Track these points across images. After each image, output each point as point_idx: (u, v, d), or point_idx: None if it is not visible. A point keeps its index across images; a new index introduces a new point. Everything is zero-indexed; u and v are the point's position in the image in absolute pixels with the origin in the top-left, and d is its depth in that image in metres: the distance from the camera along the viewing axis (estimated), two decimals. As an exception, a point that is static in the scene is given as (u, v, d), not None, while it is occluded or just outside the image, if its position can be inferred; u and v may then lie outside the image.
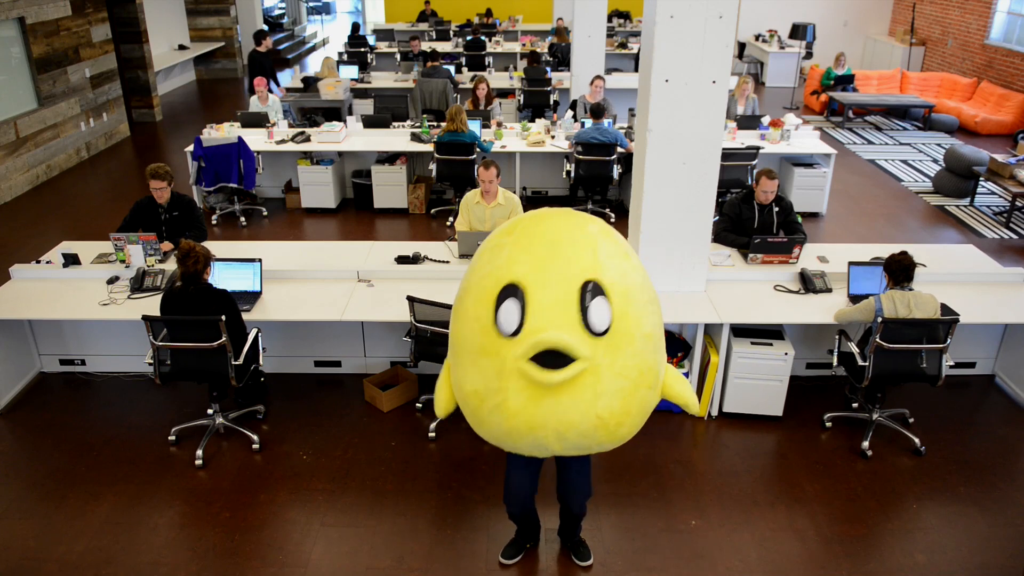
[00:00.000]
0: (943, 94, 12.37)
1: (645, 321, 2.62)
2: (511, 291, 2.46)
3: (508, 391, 2.50)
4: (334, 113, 9.59)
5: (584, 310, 2.43)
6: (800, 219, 5.45)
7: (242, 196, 7.84)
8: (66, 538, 3.72)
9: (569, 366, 2.42)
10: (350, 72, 10.82)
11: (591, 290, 2.45)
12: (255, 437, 4.37)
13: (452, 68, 10.79)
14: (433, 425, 4.48)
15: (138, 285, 4.74)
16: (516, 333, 2.45)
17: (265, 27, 10.04)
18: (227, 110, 12.17)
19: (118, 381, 5.02)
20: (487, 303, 2.51)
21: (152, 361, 4.12)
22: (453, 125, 7.11)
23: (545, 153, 7.90)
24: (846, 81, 12.21)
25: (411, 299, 4.22)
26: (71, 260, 5.01)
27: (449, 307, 4.03)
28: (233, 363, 4.08)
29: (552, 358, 2.42)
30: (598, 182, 7.44)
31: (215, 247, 5.06)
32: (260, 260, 4.74)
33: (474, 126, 7.46)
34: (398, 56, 12.99)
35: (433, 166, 7.37)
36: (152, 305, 4.47)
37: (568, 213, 2.65)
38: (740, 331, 4.57)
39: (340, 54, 13.34)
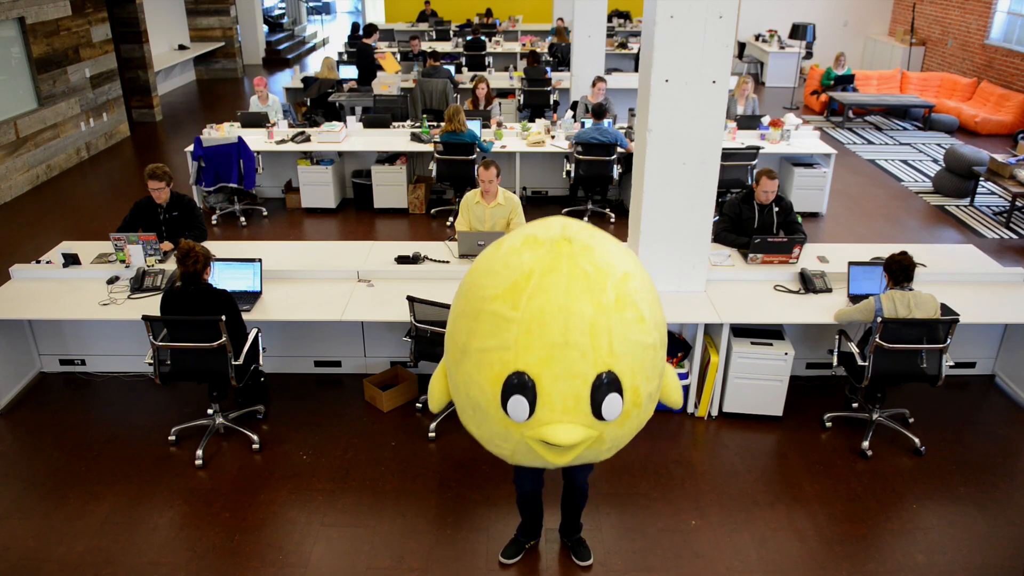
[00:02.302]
0: (943, 94, 12.37)
1: (653, 379, 2.52)
2: (521, 384, 2.31)
3: (515, 452, 2.52)
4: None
5: (596, 405, 2.34)
6: (800, 219, 5.45)
7: (242, 196, 7.84)
8: (66, 538, 3.72)
9: (578, 446, 2.42)
10: (350, 72, 10.81)
11: (605, 386, 2.33)
12: (255, 437, 4.37)
13: (452, 68, 10.79)
14: (433, 425, 4.48)
15: (138, 285, 4.73)
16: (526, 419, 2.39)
17: (375, 23, 10.81)
18: (227, 110, 12.17)
19: (118, 381, 5.02)
20: (493, 383, 2.37)
21: (152, 361, 4.12)
22: (451, 125, 7.11)
23: (545, 153, 7.90)
24: (846, 81, 12.21)
25: (411, 299, 4.22)
26: (71, 260, 5.00)
27: (449, 307, 4.05)
28: (233, 363, 4.08)
29: None
30: (598, 182, 7.44)
31: (215, 247, 5.06)
32: (260, 260, 4.74)
33: (474, 126, 7.46)
34: (398, 56, 12.98)
35: (433, 166, 7.37)
36: (152, 305, 4.47)
37: (582, 277, 2.32)
38: (740, 331, 4.57)
39: (340, 54, 13.35)
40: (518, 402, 2.32)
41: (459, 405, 2.63)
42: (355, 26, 14.77)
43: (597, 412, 2.35)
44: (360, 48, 10.65)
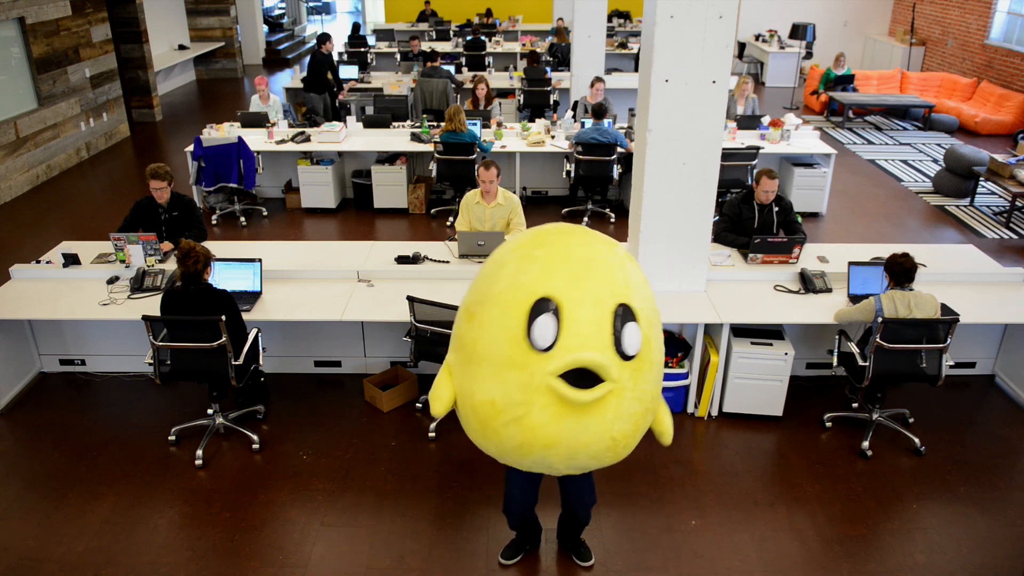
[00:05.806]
0: (943, 94, 12.37)
1: (659, 350, 2.69)
2: (546, 305, 2.39)
3: (532, 405, 2.46)
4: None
5: (617, 333, 2.42)
6: (800, 219, 5.45)
7: (242, 196, 7.84)
8: (66, 538, 3.72)
9: (599, 387, 2.42)
10: (350, 72, 10.81)
11: (623, 314, 2.44)
12: (255, 437, 4.37)
13: (452, 68, 10.78)
14: (433, 425, 4.48)
15: (138, 285, 4.73)
16: (549, 348, 2.40)
17: (328, 32, 10.50)
18: (227, 110, 12.17)
19: (118, 381, 5.02)
20: (517, 315, 2.43)
21: (152, 361, 4.12)
22: (451, 125, 7.11)
23: (545, 153, 7.89)
24: (846, 81, 12.21)
25: (411, 299, 4.22)
26: (71, 260, 5.00)
27: (449, 307, 4.05)
28: (233, 363, 4.08)
29: (580, 377, 2.41)
30: (598, 182, 7.43)
31: (215, 247, 5.06)
32: (260, 260, 4.74)
33: (474, 126, 7.46)
34: (398, 56, 12.98)
35: (433, 166, 7.37)
36: (152, 305, 4.47)
37: (595, 234, 2.67)
38: (740, 331, 4.57)
39: (340, 54, 13.33)
40: (545, 324, 2.37)
41: (471, 367, 2.58)
42: (355, 26, 14.75)
43: (618, 345, 2.43)
44: (313, 57, 10.12)
